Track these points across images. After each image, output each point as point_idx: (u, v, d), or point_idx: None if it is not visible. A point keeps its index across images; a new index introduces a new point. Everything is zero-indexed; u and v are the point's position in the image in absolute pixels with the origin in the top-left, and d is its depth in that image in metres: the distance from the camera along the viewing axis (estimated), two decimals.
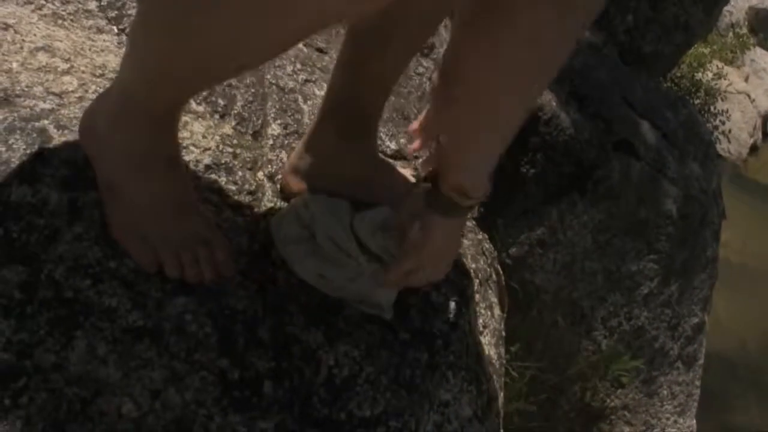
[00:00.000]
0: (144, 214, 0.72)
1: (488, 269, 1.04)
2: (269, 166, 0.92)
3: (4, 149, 0.74)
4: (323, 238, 0.79)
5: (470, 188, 0.74)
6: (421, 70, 1.41)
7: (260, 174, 0.90)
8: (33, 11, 0.95)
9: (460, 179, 0.73)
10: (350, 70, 0.83)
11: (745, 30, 7.89)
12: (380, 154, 0.97)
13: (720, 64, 6.72)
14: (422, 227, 0.77)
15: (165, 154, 0.74)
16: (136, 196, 0.72)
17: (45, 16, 0.96)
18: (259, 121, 0.98)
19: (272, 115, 1.00)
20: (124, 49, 0.99)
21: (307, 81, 1.12)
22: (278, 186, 0.90)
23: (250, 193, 0.87)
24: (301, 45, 1.23)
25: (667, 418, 2.42)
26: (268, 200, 0.88)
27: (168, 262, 0.72)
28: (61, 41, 0.92)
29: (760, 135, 7.25)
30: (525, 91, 0.67)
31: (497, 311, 1.03)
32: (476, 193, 0.75)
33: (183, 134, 0.89)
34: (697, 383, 2.55)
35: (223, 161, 0.88)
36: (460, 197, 0.74)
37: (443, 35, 1.65)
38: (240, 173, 0.88)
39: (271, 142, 0.96)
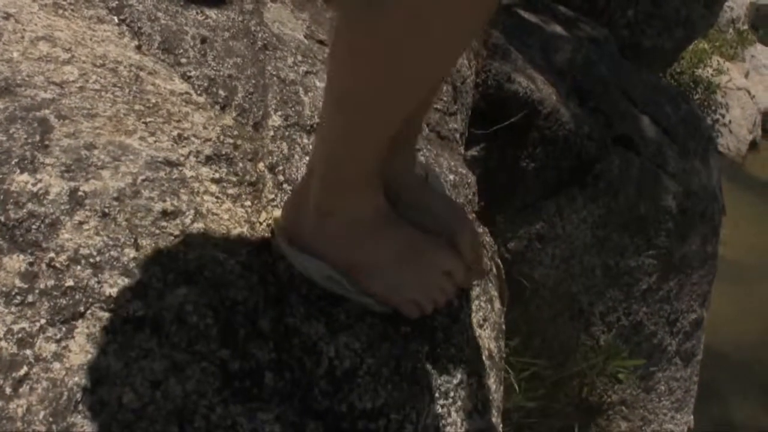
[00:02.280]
0: (395, 273, 0.77)
1: (489, 263, 1.04)
2: (270, 157, 0.92)
3: (5, 138, 0.73)
4: None
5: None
6: None
7: (261, 165, 0.90)
8: (34, 1, 0.94)
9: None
10: None
11: (745, 26, 7.88)
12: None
13: (720, 60, 6.72)
14: None
15: (383, 209, 0.77)
16: (381, 262, 0.76)
17: (45, 5, 0.95)
18: (260, 113, 0.98)
19: (273, 106, 1.00)
20: (125, 39, 0.98)
21: (308, 73, 1.12)
22: (280, 178, 0.90)
23: (251, 184, 0.87)
24: (301, 36, 1.22)
25: (665, 414, 2.43)
26: (269, 191, 0.88)
27: (426, 304, 0.79)
28: (61, 31, 0.92)
29: (759, 131, 7.25)
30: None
31: (497, 305, 1.03)
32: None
33: (184, 125, 0.88)
34: (695, 379, 2.55)
35: (223, 152, 0.87)
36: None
37: None
38: (241, 164, 0.88)
39: (272, 133, 0.96)
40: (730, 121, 6.66)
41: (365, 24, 0.57)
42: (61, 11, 0.96)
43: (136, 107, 0.87)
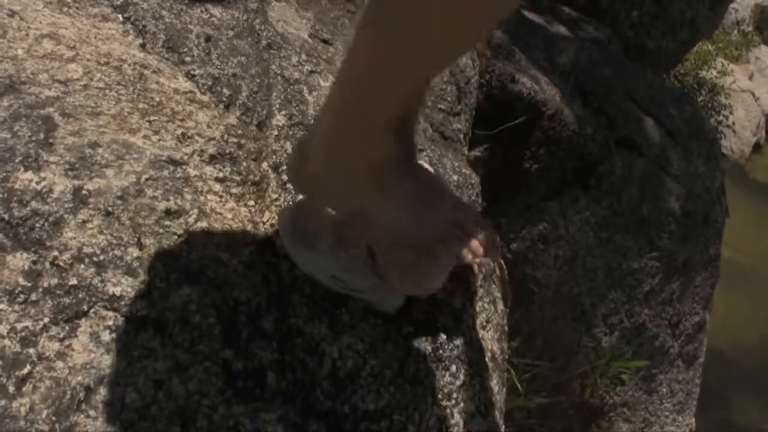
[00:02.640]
0: (398, 224, 0.72)
1: (492, 264, 1.04)
2: (274, 156, 0.92)
3: (9, 136, 0.73)
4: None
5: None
6: None
7: (265, 165, 0.90)
8: None
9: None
10: None
11: (750, 27, 7.87)
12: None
13: (725, 62, 6.71)
14: None
15: (392, 156, 0.72)
16: (389, 215, 0.72)
17: (50, 3, 0.95)
18: (264, 112, 0.97)
19: (277, 105, 1.00)
20: (129, 37, 0.98)
21: (312, 72, 1.12)
22: (283, 178, 0.90)
23: (255, 183, 0.87)
24: (306, 35, 1.22)
25: (666, 416, 2.43)
26: (273, 191, 0.87)
27: (444, 257, 0.72)
28: (66, 29, 0.91)
29: (763, 133, 7.23)
30: None
31: (500, 306, 1.03)
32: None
33: (188, 124, 0.88)
34: (697, 381, 2.55)
35: (227, 151, 0.87)
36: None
37: None
38: (244, 164, 0.87)
39: (275, 132, 0.96)
40: (734, 123, 6.65)
41: None
42: (65, 9, 0.96)
43: (140, 106, 0.87)
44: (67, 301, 0.65)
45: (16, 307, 0.63)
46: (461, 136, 1.38)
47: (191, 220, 0.77)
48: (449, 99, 1.37)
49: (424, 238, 0.72)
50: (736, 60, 7.17)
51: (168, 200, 0.77)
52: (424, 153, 1.12)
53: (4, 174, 0.70)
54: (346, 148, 0.70)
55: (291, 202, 0.88)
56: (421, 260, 0.72)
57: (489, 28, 0.59)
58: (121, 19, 1.00)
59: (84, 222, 0.70)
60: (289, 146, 0.95)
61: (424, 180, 0.75)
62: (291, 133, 0.97)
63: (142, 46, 0.99)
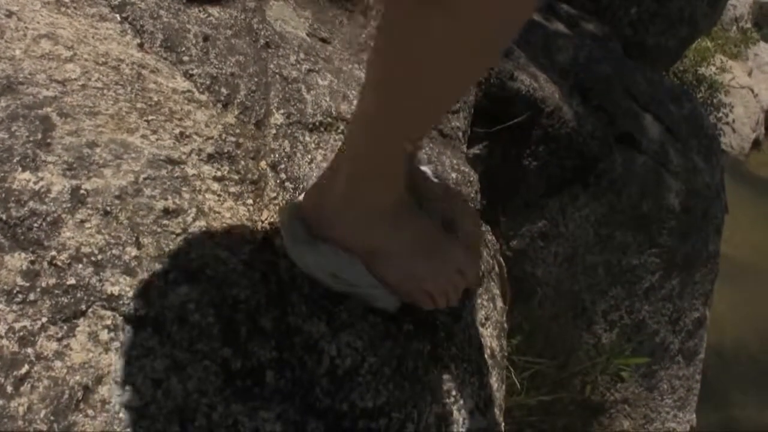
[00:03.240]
0: (412, 263, 0.78)
1: (491, 261, 1.04)
2: (272, 155, 0.92)
3: (7, 136, 0.73)
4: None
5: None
6: None
7: (263, 163, 0.90)
8: None
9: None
10: None
11: (749, 24, 7.86)
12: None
13: (723, 59, 6.70)
14: None
15: (405, 199, 0.79)
16: (399, 250, 0.77)
17: (48, 3, 0.95)
18: (262, 111, 0.97)
19: (275, 104, 1.00)
20: (127, 37, 0.98)
21: (310, 71, 1.12)
22: (282, 176, 0.90)
23: (253, 182, 0.87)
24: (304, 34, 1.22)
25: (667, 412, 2.43)
26: (271, 190, 0.87)
27: (440, 298, 0.79)
28: (64, 29, 0.91)
29: (762, 130, 7.22)
30: None
31: (499, 303, 1.03)
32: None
33: (186, 123, 0.88)
34: (698, 377, 2.55)
35: (225, 150, 0.87)
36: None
37: None
38: (243, 162, 0.87)
39: (274, 131, 0.96)
40: (733, 120, 6.64)
41: (420, 19, 0.56)
42: (63, 9, 0.96)
43: (138, 105, 0.87)
44: (65, 300, 0.65)
45: (14, 307, 0.63)
46: (460, 133, 1.38)
47: (189, 219, 0.77)
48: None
49: (425, 279, 0.78)
50: (735, 57, 7.16)
51: (166, 199, 0.77)
52: (423, 150, 1.12)
53: (2, 174, 0.70)
54: (364, 190, 0.74)
55: (290, 201, 0.88)
56: (415, 294, 0.79)
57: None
58: (118, 18, 1.00)
59: (82, 222, 0.70)
60: (287, 145, 0.95)
61: (433, 225, 0.82)
62: (289, 131, 0.97)
63: (140, 45, 0.99)
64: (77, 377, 0.62)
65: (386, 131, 0.69)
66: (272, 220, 0.84)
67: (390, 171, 0.73)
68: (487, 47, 0.60)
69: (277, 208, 0.85)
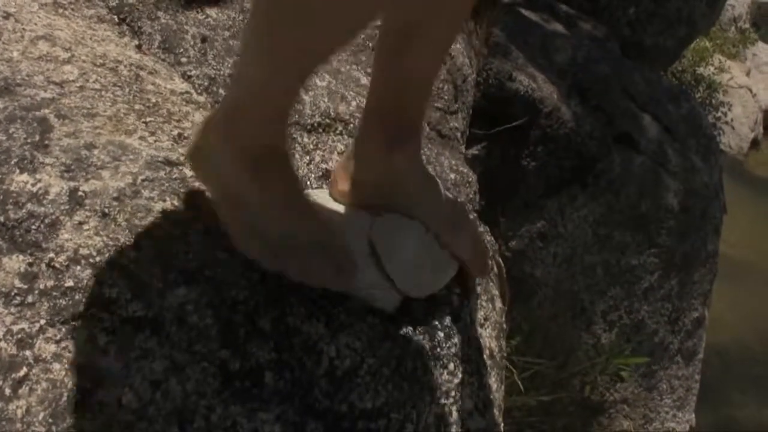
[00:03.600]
0: (263, 219, 0.74)
1: (490, 262, 1.04)
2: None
3: (4, 138, 0.73)
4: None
5: None
6: None
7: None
8: (33, 0, 0.94)
9: None
10: (385, 67, 0.80)
11: (747, 24, 7.87)
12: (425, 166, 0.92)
13: (722, 58, 6.71)
14: None
15: (279, 154, 0.75)
16: (254, 199, 0.74)
17: (45, 5, 0.95)
18: None
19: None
20: (125, 39, 0.98)
21: None
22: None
23: None
24: None
25: (666, 412, 2.43)
26: None
27: (291, 267, 0.74)
28: (61, 30, 0.91)
29: (761, 129, 7.23)
30: None
31: (498, 304, 1.03)
32: None
33: (184, 124, 0.88)
34: (697, 377, 2.55)
35: None
36: None
37: None
38: None
39: None
40: (731, 120, 6.65)
41: None
42: (61, 10, 0.96)
43: (136, 107, 0.86)
44: (64, 303, 0.65)
45: (12, 310, 0.63)
46: (458, 134, 1.38)
47: (188, 220, 0.77)
48: (446, 97, 1.37)
49: (276, 238, 0.74)
50: (733, 57, 7.17)
51: (164, 201, 0.77)
52: (421, 151, 1.12)
53: (0, 176, 0.70)
54: (236, 125, 0.72)
55: None
56: (264, 262, 0.74)
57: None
58: (116, 20, 1.00)
59: (80, 224, 0.70)
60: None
61: (299, 188, 0.78)
62: (287, 132, 0.97)
63: (138, 47, 0.99)
64: (76, 379, 0.62)
65: (273, 62, 0.65)
66: None
67: (270, 110, 0.71)
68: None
69: None
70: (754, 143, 7.03)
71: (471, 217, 0.96)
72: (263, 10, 0.62)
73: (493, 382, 0.93)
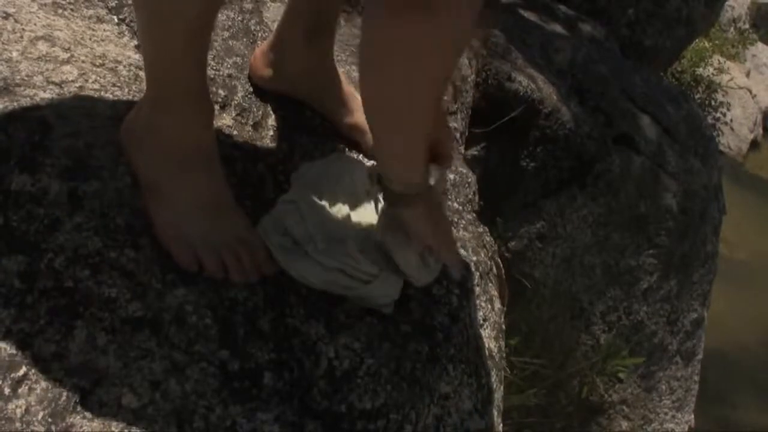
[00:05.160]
0: (185, 213, 0.74)
1: (489, 262, 1.04)
2: (270, 157, 0.92)
3: (4, 138, 0.73)
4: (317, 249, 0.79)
5: (396, 178, 0.75)
6: None
7: (261, 165, 0.90)
8: (33, 0, 0.94)
9: (385, 170, 0.76)
10: None
11: (746, 25, 7.87)
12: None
13: (721, 59, 6.70)
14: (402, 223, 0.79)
15: (204, 149, 0.78)
16: (178, 195, 0.75)
17: (45, 5, 0.95)
18: (260, 112, 0.98)
19: (272, 106, 1.00)
20: (124, 39, 0.98)
21: None
22: (280, 178, 0.90)
23: (251, 184, 0.87)
24: None
25: (665, 413, 2.43)
26: (270, 191, 0.88)
27: (209, 262, 0.73)
28: (61, 30, 0.91)
29: (760, 130, 7.23)
30: (406, 101, 0.65)
31: (497, 304, 1.03)
32: (410, 182, 0.75)
33: None
34: (696, 378, 2.55)
35: (223, 152, 0.87)
36: (400, 187, 0.75)
37: None
38: (240, 164, 0.87)
39: (271, 133, 0.96)
40: (731, 120, 6.65)
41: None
42: (60, 11, 0.96)
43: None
44: (63, 302, 0.65)
45: (12, 310, 0.63)
46: (458, 135, 1.38)
47: None
48: (446, 98, 1.37)
49: (197, 236, 0.74)
50: (733, 57, 7.17)
51: None
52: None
53: (0, 176, 0.70)
54: (161, 120, 0.75)
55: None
56: (180, 252, 0.73)
57: None
58: (116, 20, 1.00)
59: (80, 224, 0.70)
60: (285, 146, 0.95)
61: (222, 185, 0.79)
62: (287, 133, 0.97)
63: (138, 47, 0.99)
64: (75, 379, 0.62)
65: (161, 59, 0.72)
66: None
67: (182, 105, 0.74)
68: (459, 48, 0.63)
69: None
70: (754, 144, 7.03)
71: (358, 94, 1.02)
72: None
73: (492, 382, 0.93)
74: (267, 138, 0.95)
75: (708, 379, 2.74)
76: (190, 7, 0.68)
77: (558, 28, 2.51)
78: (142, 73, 0.93)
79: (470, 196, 1.16)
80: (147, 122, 0.76)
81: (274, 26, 1.17)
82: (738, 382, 3.34)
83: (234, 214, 0.79)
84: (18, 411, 0.59)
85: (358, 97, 1.06)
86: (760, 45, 7.67)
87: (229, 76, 0.99)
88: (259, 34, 1.12)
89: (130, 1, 1.03)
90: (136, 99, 0.87)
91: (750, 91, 7.14)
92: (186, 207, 0.74)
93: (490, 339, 0.97)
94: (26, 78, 0.81)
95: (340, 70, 1.04)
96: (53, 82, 0.83)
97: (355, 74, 1.19)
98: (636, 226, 2.07)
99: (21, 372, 0.61)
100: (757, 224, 4.79)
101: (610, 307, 2.10)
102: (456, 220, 1.05)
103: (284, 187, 0.89)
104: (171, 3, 0.67)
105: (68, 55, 0.88)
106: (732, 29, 7.67)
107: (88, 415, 0.61)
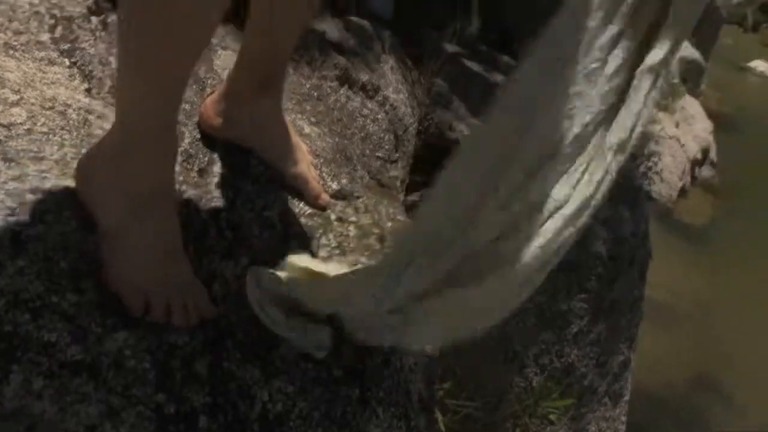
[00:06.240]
0: (142, 259, 0.77)
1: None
2: (213, 203, 0.95)
3: None
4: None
5: None
6: (365, 111, 1.46)
7: (204, 212, 0.93)
8: None
9: None
10: (255, 35, 0.98)
11: (676, 80, 8.31)
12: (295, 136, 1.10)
13: (654, 110, 7.03)
14: None
15: (167, 191, 0.81)
16: (137, 241, 0.77)
17: None
18: (206, 159, 1.01)
19: (218, 153, 1.03)
20: (75, 82, 1.01)
21: None
22: (222, 224, 0.93)
23: (195, 230, 0.90)
24: None
25: None
26: (212, 238, 0.90)
27: (157, 307, 0.76)
28: (11, 72, 0.93)
29: (689, 178, 7.60)
30: None
31: (429, 348, 1.07)
32: None
33: None
34: (623, 419, 2.64)
35: None
36: None
37: (388, 76, 1.71)
38: (185, 210, 0.90)
39: (216, 179, 0.99)
40: (662, 169, 6.96)
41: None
42: (11, 52, 0.98)
43: (84, 151, 0.89)
44: (1, 347, 0.66)
45: None
46: (398, 183, 1.44)
47: None
48: (387, 147, 1.43)
49: (151, 282, 0.76)
50: (664, 109, 7.54)
51: None
52: (360, 200, 1.17)
53: None
54: (124, 162, 0.77)
55: (231, 246, 0.91)
56: (131, 297, 0.76)
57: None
58: (67, 63, 1.02)
59: (22, 268, 0.72)
60: (230, 193, 0.98)
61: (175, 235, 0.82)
62: (232, 180, 1.00)
63: (88, 90, 1.01)
64: (9, 424, 0.63)
65: (143, 102, 0.74)
66: (211, 267, 0.87)
67: (152, 149, 0.77)
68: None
69: (217, 256, 0.88)
70: (683, 191, 7.37)
71: (310, 158, 1.11)
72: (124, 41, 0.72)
73: (422, 425, 0.97)
74: (212, 184, 0.98)
75: (635, 418, 2.84)
76: (200, 40, 0.73)
77: (500, 78, 2.62)
78: (91, 117, 0.95)
79: None
80: (110, 167, 0.77)
81: (224, 74, 1.21)
82: (663, 420, 3.46)
83: (183, 259, 0.82)
84: None
85: (304, 146, 1.11)
86: (688, 97, 8.11)
87: (177, 123, 1.02)
88: (209, 82, 1.16)
89: (82, 45, 1.06)
90: (84, 143, 0.89)
91: (679, 141, 7.51)
92: (144, 253, 0.77)
93: (420, 382, 1.01)
94: None
95: (287, 119, 1.08)
96: (1, 124, 0.84)
97: (301, 123, 1.24)
98: (568, 271, 2.16)
99: None
100: (684, 267, 5.02)
101: (543, 350, 2.17)
102: None
103: (225, 234, 0.92)
104: (181, 37, 0.70)
105: (18, 97, 0.90)
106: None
107: None
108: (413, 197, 1.68)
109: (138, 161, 0.77)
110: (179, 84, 0.76)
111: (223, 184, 0.99)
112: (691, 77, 8.45)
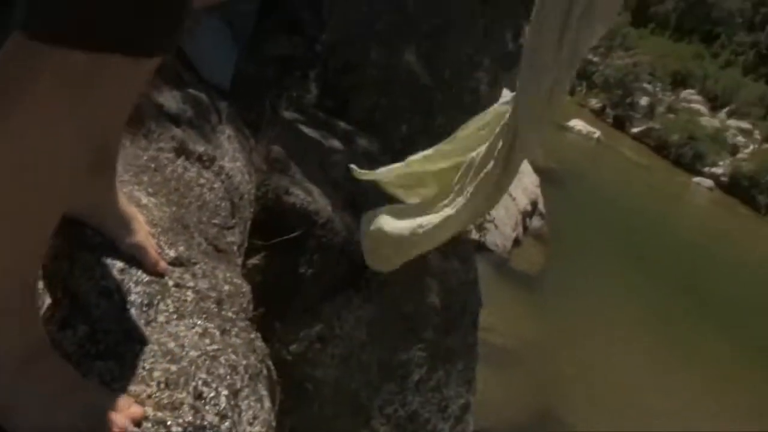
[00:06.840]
0: (51, 414, 0.75)
1: (259, 365, 1.14)
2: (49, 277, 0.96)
3: None
4: None
5: None
6: (202, 181, 1.52)
7: (40, 283, 0.94)
8: None
9: None
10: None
11: None
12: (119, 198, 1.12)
13: None
14: None
15: (46, 353, 0.79)
16: (35, 402, 0.75)
17: None
18: None
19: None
20: None
21: None
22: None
23: None
24: None
25: None
26: (49, 309, 0.91)
27: None
28: None
29: (521, 229, 8.26)
30: None
31: (267, 403, 1.13)
32: None
33: None
34: None
35: None
36: None
37: (225, 146, 1.79)
38: None
39: (52, 251, 1.00)
40: (495, 220, 7.52)
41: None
42: None
43: None
44: None
45: None
46: (235, 247, 1.50)
47: None
48: (223, 214, 1.50)
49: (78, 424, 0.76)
50: None
51: None
52: (198, 266, 1.22)
53: None
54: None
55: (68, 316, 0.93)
56: None
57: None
58: None
59: None
60: (65, 265, 1.00)
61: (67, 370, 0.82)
62: (67, 251, 1.02)
63: None
64: None
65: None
66: (51, 337, 0.88)
67: (14, 307, 0.74)
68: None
69: (55, 327, 0.89)
70: (516, 242, 7.98)
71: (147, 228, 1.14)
72: None
73: None
74: (48, 256, 0.99)
75: None
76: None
77: (336, 143, 2.78)
78: None
79: (244, 305, 1.27)
80: None
81: None
82: None
83: (86, 385, 0.82)
84: None
85: (141, 217, 1.14)
86: None
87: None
88: None
89: None
90: None
91: (511, 195, 8.17)
92: (49, 408, 0.75)
93: None
94: None
95: (123, 190, 1.12)
96: None
97: (138, 194, 1.28)
98: (406, 323, 2.31)
99: None
100: (516, 310, 5.44)
101: (387, 401, 2.28)
102: (228, 328, 1.15)
103: (63, 303, 0.94)
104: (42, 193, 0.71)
105: None
106: None
107: None
108: (254, 260, 1.76)
109: (11, 320, 0.75)
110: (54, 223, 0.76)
111: (58, 255, 1.00)
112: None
